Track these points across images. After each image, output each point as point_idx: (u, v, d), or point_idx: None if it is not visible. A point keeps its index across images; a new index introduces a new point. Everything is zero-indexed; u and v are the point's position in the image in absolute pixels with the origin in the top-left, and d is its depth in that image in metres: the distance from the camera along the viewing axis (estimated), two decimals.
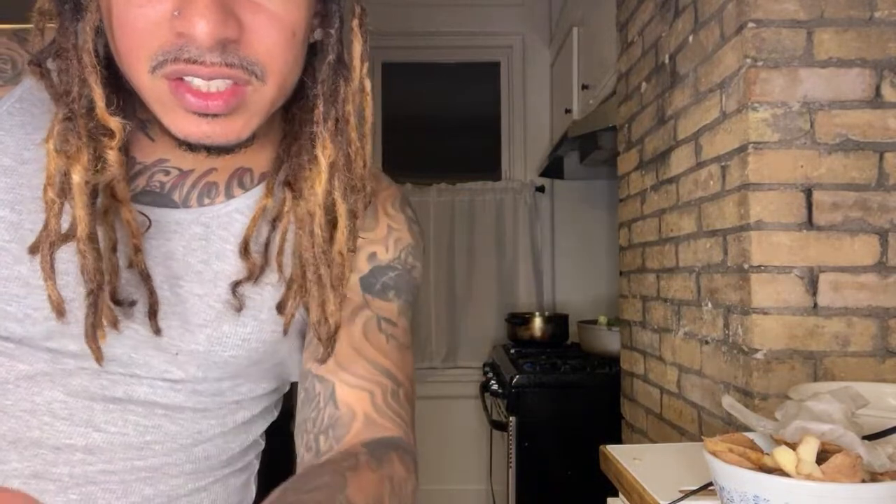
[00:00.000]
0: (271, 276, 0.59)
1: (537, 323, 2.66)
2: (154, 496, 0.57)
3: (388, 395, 0.57)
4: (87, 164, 0.48)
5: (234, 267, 0.58)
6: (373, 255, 0.63)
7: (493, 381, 2.25)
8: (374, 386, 0.57)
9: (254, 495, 0.69)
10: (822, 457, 0.52)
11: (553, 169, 2.78)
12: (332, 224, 0.57)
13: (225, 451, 0.62)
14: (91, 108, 0.48)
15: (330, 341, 0.57)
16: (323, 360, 0.57)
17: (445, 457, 2.95)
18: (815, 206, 1.07)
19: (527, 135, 3.09)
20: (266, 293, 0.59)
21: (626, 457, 0.84)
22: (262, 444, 0.69)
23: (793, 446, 0.53)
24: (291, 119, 0.58)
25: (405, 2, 3.02)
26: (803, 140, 1.07)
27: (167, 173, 0.58)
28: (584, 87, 2.35)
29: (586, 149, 2.26)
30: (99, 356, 0.52)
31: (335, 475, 0.46)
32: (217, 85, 0.48)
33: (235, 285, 0.57)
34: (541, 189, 3.02)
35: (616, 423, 1.85)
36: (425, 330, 2.99)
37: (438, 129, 3.22)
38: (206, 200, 0.58)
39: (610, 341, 2.18)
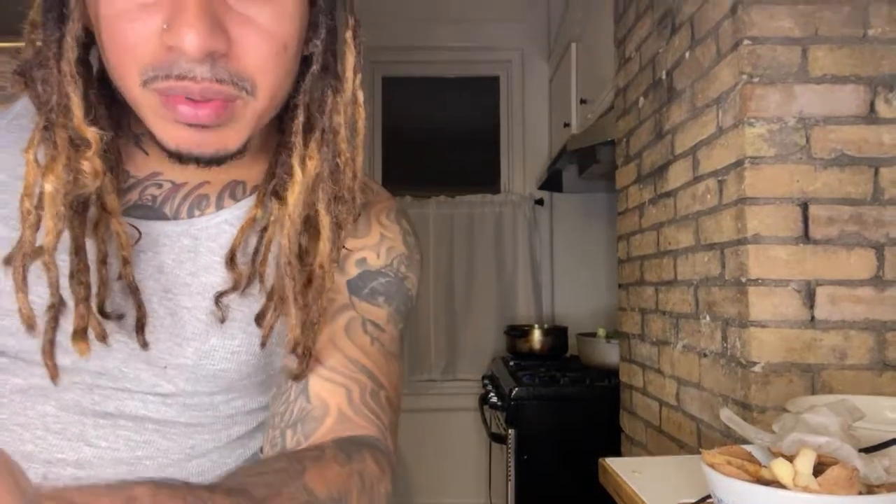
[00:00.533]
0: (256, 287, 0.58)
1: (536, 335, 2.66)
2: None
3: (367, 394, 0.55)
4: (60, 174, 0.47)
5: (221, 279, 0.57)
6: (362, 261, 0.62)
7: (492, 394, 2.25)
8: (351, 382, 0.55)
9: None
10: (819, 469, 0.52)
11: (552, 182, 2.79)
12: (317, 235, 0.56)
13: (220, 467, 0.61)
14: (71, 118, 0.48)
15: (303, 358, 0.55)
16: (296, 376, 0.55)
17: (444, 470, 2.94)
18: (812, 221, 1.08)
19: (526, 148, 3.11)
20: (254, 305, 0.58)
21: (625, 469, 0.84)
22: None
23: (790, 459, 0.53)
24: (283, 130, 0.58)
25: (405, 17, 3.05)
26: (799, 155, 1.09)
27: (160, 186, 0.57)
28: (583, 101, 2.37)
29: (585, 162, 2.28)
30: (54, 373, 0.51)
31: (292, 462, 0.44)
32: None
33: (219, 296, 0.56)
34: (540, 202, 3.04)
35: (615, 435, 1.85)
36: (424, 342, 2.99)
37: (438, 143, 3.24)
38: (196, 212, 0.58)
39: (609, 354, 2.18)
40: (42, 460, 0.54)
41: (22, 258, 0.48)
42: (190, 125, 0.48)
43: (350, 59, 0.55)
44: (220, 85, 0.47)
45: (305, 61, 0.54)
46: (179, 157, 0.51)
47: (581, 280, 3.01)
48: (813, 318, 1.07)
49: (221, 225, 0.58)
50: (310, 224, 0.55)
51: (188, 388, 0.57)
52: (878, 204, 1.08)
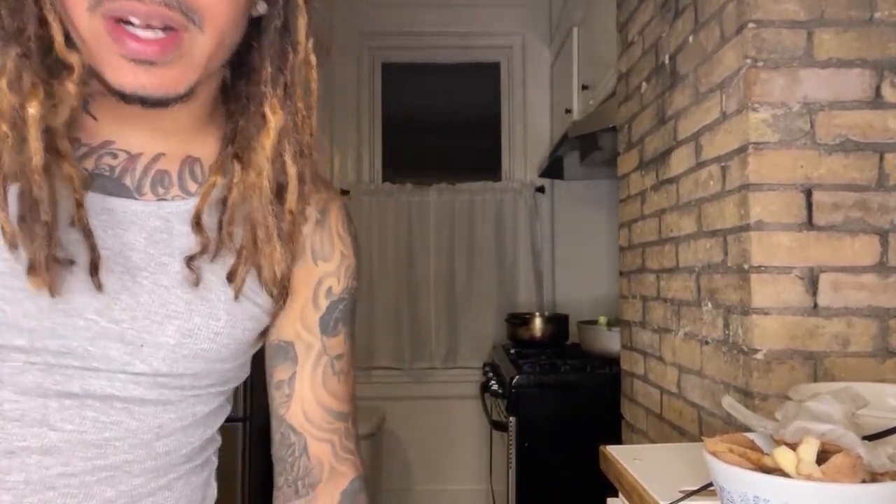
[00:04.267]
0: (226, 253, 0.60)
1: (537, 323, 2.66)
2: (116, 498, 0.55)
3: (344, 438, 0.69)
4: (43, 99, 0.49)
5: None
6: (329, 291, 0.68)
7: (493, 382, 2.25)
8: (333, 435, 0.68)
9: (215, 493, 0.68)
10: (823, 457, 0.52)
11: (553, 169, 2.78)
12: (282, 187, 0.59)
13: (185, 446, 0.61)
14: (48, 46, 0.49)
15: (281, 294, 0.62)
16: (276, 313, 0.64)
17: (446, 457, 2.95)
18: (816, 207, 1.07)
19: (527, 135, 3.09)
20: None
21: (626, 457, 0.84)
22: (219, 440, 0.69)
23: (793, 447, 0.53)
24: (238, 97, 0.60)
25: (405, 2, 3.02)
26: (803, 140, 1.07)
27: (115, 156, 0.57)
28: (585, 87, 2.35)
29: (586, 149, 2.26)
30: (54, 288, 0.50)
31: None
32: (155, 33, 0.49)
33: (190, 259, 0.57)
34: (541, 189, 3.02)
35: (616, 423, 1.85)
36: (425, 330, 2.99)
37: (438, 130, 3.22)
38: (161, 190, 0.58)
39: (610, 341, 2.18)
40: (2, 451, 0.51)
41: (3, 179, 0.49)
42: (136, 61, 0.49)
43: (302, 23, 0.58)
44: (168, 10, 0.48)
45: (254, 23, 0.57)
46: (124, 97, 0.51)
47: (582, 267, 3.00)
48: (816, 305, 1.06)
49: (192, 210, 0.59)
50: (277, 175, 0.59)
51: (163, 369, 0.56)
52: (884, 190, 1.07)
